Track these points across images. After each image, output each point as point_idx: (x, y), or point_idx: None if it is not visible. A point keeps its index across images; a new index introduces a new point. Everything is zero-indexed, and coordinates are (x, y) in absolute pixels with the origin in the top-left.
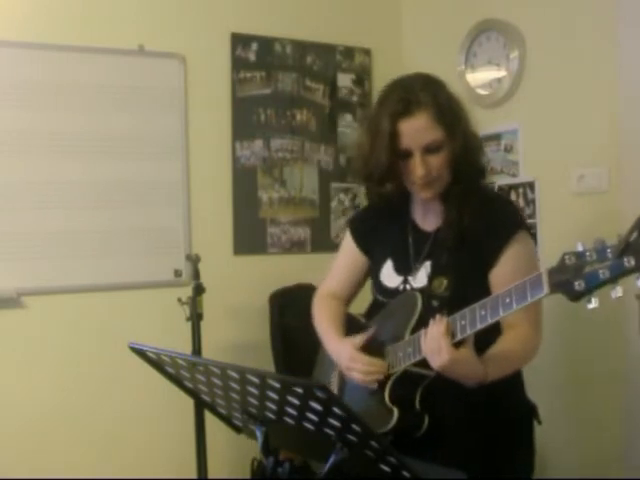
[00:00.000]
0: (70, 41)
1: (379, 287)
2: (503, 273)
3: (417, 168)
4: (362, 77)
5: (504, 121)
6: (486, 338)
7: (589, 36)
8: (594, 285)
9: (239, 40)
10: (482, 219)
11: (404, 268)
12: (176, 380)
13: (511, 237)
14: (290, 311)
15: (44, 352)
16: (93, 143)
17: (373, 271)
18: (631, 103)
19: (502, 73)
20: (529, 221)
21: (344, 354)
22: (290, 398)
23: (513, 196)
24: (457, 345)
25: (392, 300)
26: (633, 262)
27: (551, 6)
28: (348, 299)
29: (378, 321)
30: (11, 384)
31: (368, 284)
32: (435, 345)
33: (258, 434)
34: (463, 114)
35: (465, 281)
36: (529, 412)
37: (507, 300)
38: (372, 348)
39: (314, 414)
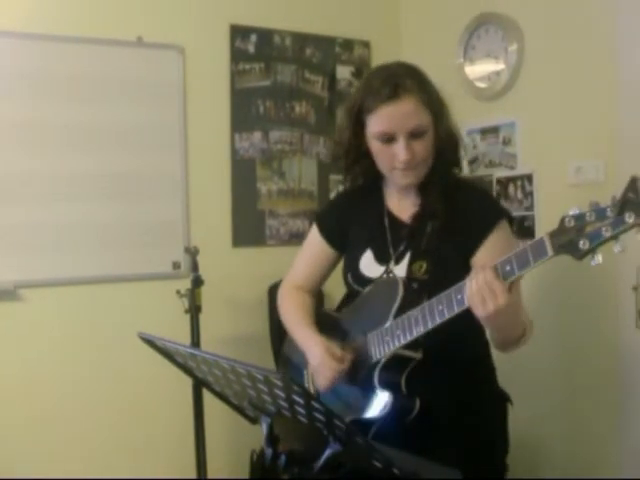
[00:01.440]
0: (68, 32)
1: (358, 278)
2: (484, 260)
3: (401, 152)
4: (361, 69)
5: (502, 114)
6: (465, 324)
7: (587, 30)
8: (598, 242)
9: (238, 32)
10: (464, 207)
11: (384, 257)
12: (187, 370)
13: (494, 225)
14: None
15: (41, 345)
16: (91, 135)
17: (350, 262)
18: (628, 96)
19: (500, 66)
20: (527, 213)
21: (316, 353)
22: (276, 391)
23: (511, 188)
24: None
25: (367, 288)
26: (633, 217)
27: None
28: (314, 291)
29: (353, 310)
30: (8, 377)
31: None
32: (488, 290)
33: (263, 425)
34: (446, 103)
35: (444, 265)
36: (503, 397)
37: (507, 268)
38: (352, 339)
39: (300, 407)
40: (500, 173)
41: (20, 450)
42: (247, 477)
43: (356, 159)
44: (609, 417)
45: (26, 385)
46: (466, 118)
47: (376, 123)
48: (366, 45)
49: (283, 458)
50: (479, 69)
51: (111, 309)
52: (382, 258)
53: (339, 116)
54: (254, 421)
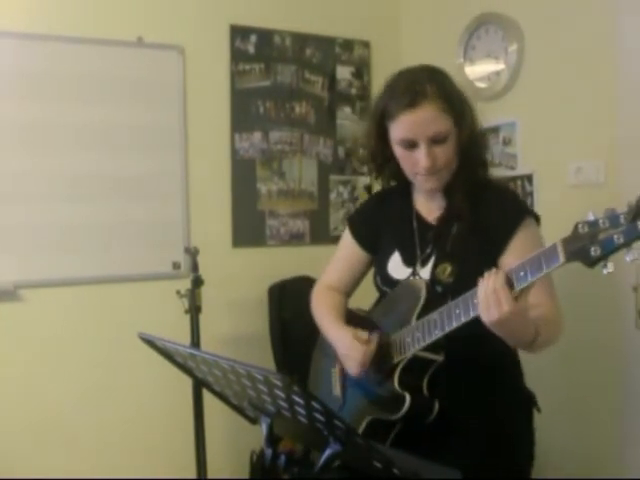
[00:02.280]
0: (68, 32)
1: (386, 280)
2: (513, 259)
3: (423, 159)
4: (361, 70)
5: (502, 114)
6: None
7: (588, 29)
8: (610, 250)
9: (238, 32)
10: (488, 208)
11: (412, 259)
12: (187, 370)
13: (519, 223)
14: (289, 303)
15: (41, 345)
16: (90, 135)
17: (379, 264)
18: (629, 96)
19: (500, 66)
20: None
21: (345, 342)
22: (276, 391)
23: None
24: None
25: (393, 290)
26: None
27: None
28: (348, 293)
29: (380, 310)
30: (8, 377)
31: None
32: (494, 297)
33: (263, 425)
34: (469, 107)
35: (469, 268)
36: (529, 400)
37: (521, 274)
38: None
39: (300, 407)
40: (500, 173)
41: (20, 450)
42: (247, 477)
43: (383, 163)
44: (610, 417)
45: (26, 385)
46: None
47: (397, 129)
48: (366, 45)
49: (283, 458)
50: (479, 69)
51: (111, 309)
52: (409, 260)
53: (365, 120)
54: (254, 421)
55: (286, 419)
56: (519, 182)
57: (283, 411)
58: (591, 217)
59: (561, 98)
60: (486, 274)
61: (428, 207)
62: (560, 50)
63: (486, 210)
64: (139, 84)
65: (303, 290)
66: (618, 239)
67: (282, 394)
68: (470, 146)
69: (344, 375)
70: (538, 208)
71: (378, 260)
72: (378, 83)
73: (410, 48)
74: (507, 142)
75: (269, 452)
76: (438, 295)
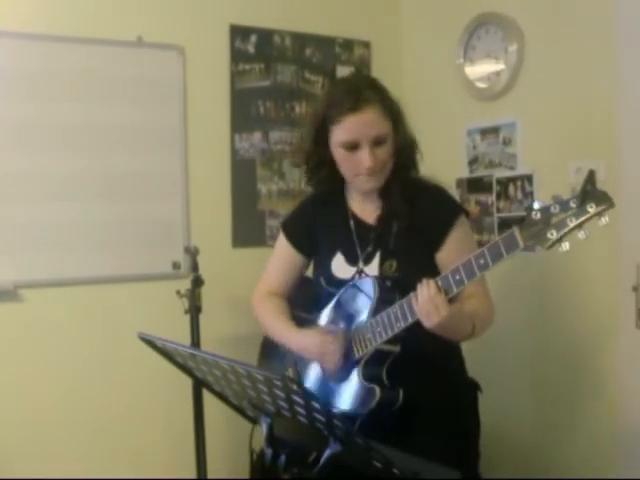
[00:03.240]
0: (68, 32)
1: (331, 280)
2: (448, 254)
3: (366, 159)
4: (361, 70)
5: (502, 114)
6: None
7: (587, 30)
8: (564, 232)
9: (238, 32)
10: (423, 207)
11: (355, 259)
12: (187, 370)
13: (454, 221)
14: (289, 303)
15: (41, 345)
16: (90, 135)
17: (321, 266)
18: (629, 96)
19: (500, 66)
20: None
21: (314, 342)
22: (276, 391)
23: (511, 189)
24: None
25: (342, 289)
26: (594, 207)
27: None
28: (286, 297)
29: (329, 312)
30: (8, 377)
31: None
32: (431, 305)
33: (263, 425)
34: (403, 112)
35: (412, 262)
36: (471, 386)
37: (481, 261)
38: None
39: (300, 407)
40: (500, 173)
41: (18, 450)
42: (247, 477)
43: (318, 166)
44: (609, 416)
45: (25, 385)
46: (466, 118)
47: (341, 132)
48: (366, 45)
49: (283, 458)
50: (479, 69)
51: (111, 309)
52: (352, 259)
53: (303, 127)
54: (254, 421)
55: (286, 419)
56: (519, 182)
57: (283, 411)
58: (540, 204)
59: (561, 98)
60: (419, 285)
61: (364, 208)
62: (560, 50)
63: (422, 209)
64: (139, 84)
65: (302, 290)
66: (571, 221)
67: (282, 394)
68: (405, 149)
69: (299, 379)
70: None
71: (320, 262)
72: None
73: (410, 48)
74: (507, 142)
75: (269, 452)
76: (388, 289)
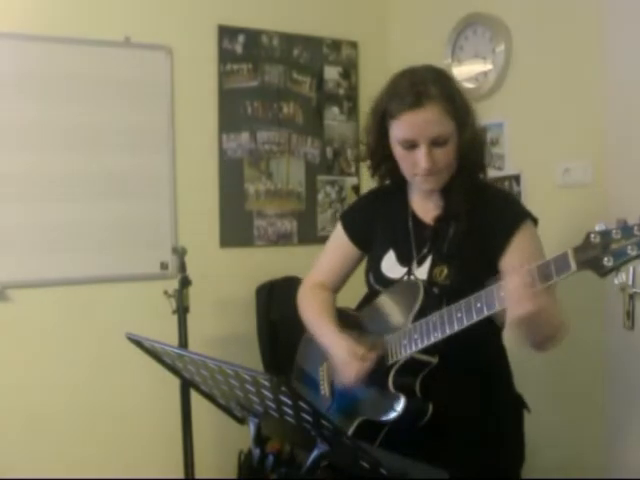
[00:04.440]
0: (55, 32)
1: (380, 278)
2: (514, 260)
3: (422, 160)
4: (349, 70)
5: (490, 114)
6: (481, 329)
7: (575, 30)
8: (623, 261)
9: (226, 32)
10: (486, 210)
11: (407, 259)
12: (175, 370)
13: (519, 226)
14: (277, 304)
15: (30, 345)
16: (78, 135)
17: (372, 262)
18: (617, 97)
19: (488, 67)
20: None
21: (342, 348)
22: (264, 391)
23: None
24: None
25: (388, 289)
26: None
27: (537, 0)
28: (336, 289)
29: (372, 311)
30: None
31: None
32: (526, 291)
33: (251, 425)
34: (471, 110)
35: (466, 270)
36: (518, 402)
37: (528, 279)
38: (370, 338)
39: (288, 408)
40: (488, 174)
41: (8, 450)
42: (235, 477)
43: (381, 160)
44: (597, 418)
45: (14, 385)
46: None
47: (399, 129)
48: (354, 45)
49: (271, 458)
50: (467, 70)
51: (99, 310)
52: (404, 259)
53: (364, 117)
54: (242, 421)
55: (274, 419)
56: (507, 183)
57: (271, 411)
58: (602, 227)
59: (549, 99)
60: (512, 269)
61: (424, 207)
62: (548, 50)
63: (484, 212)
64: (127, 84)
65: (291, 290)
66: (632, 250)
67: (270, 394)
68: (471, 149)
69: (332, 375)
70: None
71: (371, 258)
72: (366, 83)
73: (398, 48)
74: (495, 142)
75: (257, 452)
76: (435, 297)
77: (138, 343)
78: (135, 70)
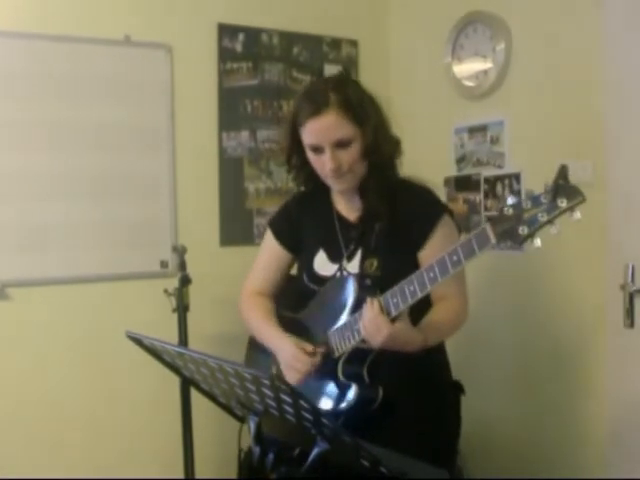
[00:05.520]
0: (55, 31)
1: (313, 277)
2: (431, 254)
3: (327, 162)
4: (349, 68)
5: (490, 113)
6: (419, 310)
7: (575, 29)
8: (536, 227)
9: (226, 31)
10: (405, 206)
11: (337, 256)
12: (175, 369)
13: (437, 221)
14: (276, 302)
15: (29, 344)
16: (78, 134)
17: (304, 263)
18: (617, 96)
19: (488, 65)
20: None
21: (287, 351)
22: (264, 390)
23: (499, 187)
24: (393, 320)
25: (324, 287)
26: (565, 202)
27: None
28: (273, 295)
29: (312, 309)
30: None
31: None
32: (373, 326)
33: (251, 424)
34: (376, 113)
35: (394, 261)
36: (454, 388)
37: (454, 258)
38: (314, 336)
39: (288, 406)
40: (488, 172)
41: (6, 449)
42: (235, 476)
43: (299, 166)
44: (597, 416)
45: (13, 384)
46: (454, 117)
47: (306, 136)
48: (354, 44)
49: (271, 457)
50: (467, 68)
51: (99, 308)
52: (335, 257)
53: (282, 123)
54: (242, 420)
55: (274, 418)
56: (507, 181)
57: (271, 410)
58: (513, 199)
59: (549, 97)
60: (364, 305)
61: (347, 207)
62: (548, 48)
63: (404, 208)
64: (126, 83)
65: (290, 288)
66: (542, 217)
67: (270, 393)
68: (376, 149)
69: (283, 375)
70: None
71: (303, 259)
72: (366, 82)
73: (398, 47)
74: (495, 141)
75: (257, 450)
76: (368, 287)
77: (138, 341)
78: (135, 69)
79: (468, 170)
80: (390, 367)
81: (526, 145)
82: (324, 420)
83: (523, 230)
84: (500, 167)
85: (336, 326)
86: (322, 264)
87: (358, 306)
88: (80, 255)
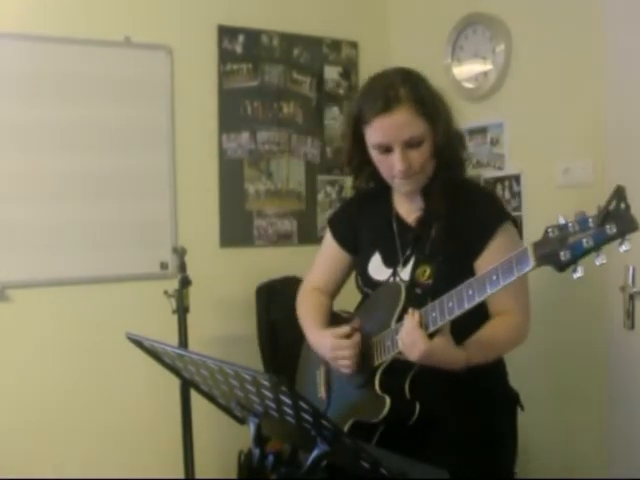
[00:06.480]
0: (55, 32)
1: (367, 280)
2: (488, 263)
3: (398, 163)
4: (349, 70)
5: (490, 114)
6: (471, 324)
7: (575, 30)
8: (579, 254)
9: (226, 32)
10: (466, 211)
11: (392, 261)
12: (175, 370)
13: (497, 228)
14: (277, 304)
15: (29, 345)
16: (78, 135)
17: (359, 265)
18: (617, 96)
19: (488, 66)
20: (515, 214)
21: (326, 345)
22: (264, 391)
23: (499, 189)
24: (432, 335)
25: (374, 292)
26: (615, 229)
27: (537, 0)
28: (332, 294)
29: (362, 313)
30: None
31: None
32: (410, 339)
33: (251, 425)
34: (444, 108)
35: (448, 270)
36: (512, 399)
37: (494, 277)
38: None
39: (288, 408)
40: (488, 173)
41: (7, 450)
42: (235, 477)
43: (361, 165)
44: (597, 418)
45: (14, 385)
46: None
47: (372, 134)
48: (354, 45)
49: (271, 458)
50: (467, 69)
51: (99, 309)
52: (390, 261)
53: (342, 122)
54: (242, 421)
55: (274, 419)
56: (507, 182)
57: (271, 411)
58: (561, 220)
59: (549, 98)
60: (405, 316)
61: (408, 209)
62: (547, 50)
63: (465, 212)
64: (127, 84)
65: (291, 290)
66: (587, 243)
67: (270, 394)
68: (446, 147)
69: (328, 378)
70: (526, 208)
71: (358, 261)
72: (362, 83)
73: (398, 48)
74: (495, 142)
75: (257, 452)
76: (417, 297)
77: (138, 343)
78: (135, 70)
79: (468, 172)
80: (435, 379)
81: (526, 146)
82: (324, 422)
83: (565, 255)
84: (500, 169)
85: (380, 334)
86: (377, 268)
87: (404, 315)
88: (80, 256)
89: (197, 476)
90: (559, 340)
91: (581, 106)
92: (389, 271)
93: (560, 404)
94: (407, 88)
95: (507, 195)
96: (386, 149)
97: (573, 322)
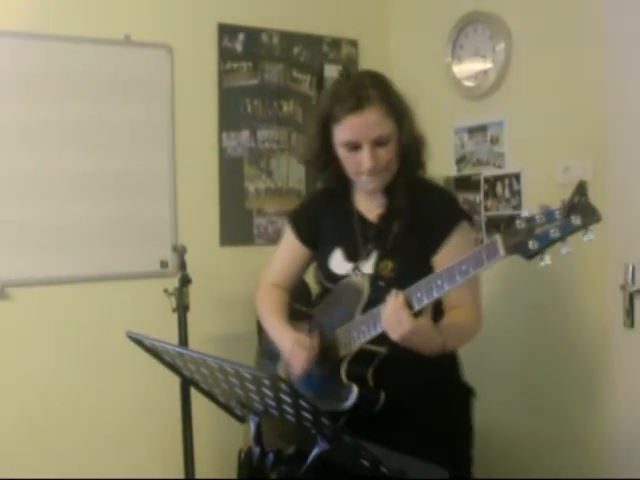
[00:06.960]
0: (55, 30)
1: (328, 275)
2: (445, 260)
3: (366, 160)
4: (349, 68)
5: (490, 113)
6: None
7: (575, 28)
8: (546, 243)
9: (226, 30)
10: (426, 208)
11: (354, 256)
12: (175, 369)
13: (454, 227)
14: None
15: (29, 344)
16: (78, 134)
17: (320, 260)
18: (617, 95)
19: (488, 65)
20: (515, 212)
21: (285, 345)
22: (264, 389)
23: (499, 187)
24: (416, 316)
25: (337, 285)
26: (579, 220)
27: None
28: (290, 289)
29: (323, 306)
30: None
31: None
32: (395, 318)
33: (251, 423)
34: (410, 111)
35: (409, 264)
36: (466, 392)
37: (463, 267)
38: (322, 334)
39: (288, 406)
40: (488, 172)
41: (5, 449)
42: (235, 476)
43: (326, 163)
44: (597, 416)
45: (13, 384)
46: (454, 117)
47: (342, 132)
48: (354, 44)
49: (271, 457)
50: (467, 68)
51: (99, 308)
52: (351, 256)
53: (308, 122)
54: (242, 420)
55: (274, 418)
56: (507, 181)
57: (271, 410)
58: (527, 213)
59: (549, 97)
60: (388, 296)
61: (368, 206)
62: (548, 48)
63: (425, 210)
64: (127, 82)
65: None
66: (554, 233)
67: (270, 393)
68: (410, 148)
69: (289, 371)
70: (526, 207)
71: (319, 256)
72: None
73: (398, 47)
74: (495, 141)
75: (257, 450)
76: (381, 289)
77: (138, 341)
78: (135, 68)
79: (468, 170)
80: (397, 370)
81: (526, 145)
82: (324, 420)
83: (533, 245)
84: (500, 167)
85: (344, 326)
86: (338, 262)
87: (368, 308)
88: (80, 255)
89: (197, 475)
90: (559, 339)
91: (581, 105)
92: (350, 265)
93: (559, 402)
94: (376, 89)
95: (507, 193)
96: (354, 147)
97: (574, 321)
